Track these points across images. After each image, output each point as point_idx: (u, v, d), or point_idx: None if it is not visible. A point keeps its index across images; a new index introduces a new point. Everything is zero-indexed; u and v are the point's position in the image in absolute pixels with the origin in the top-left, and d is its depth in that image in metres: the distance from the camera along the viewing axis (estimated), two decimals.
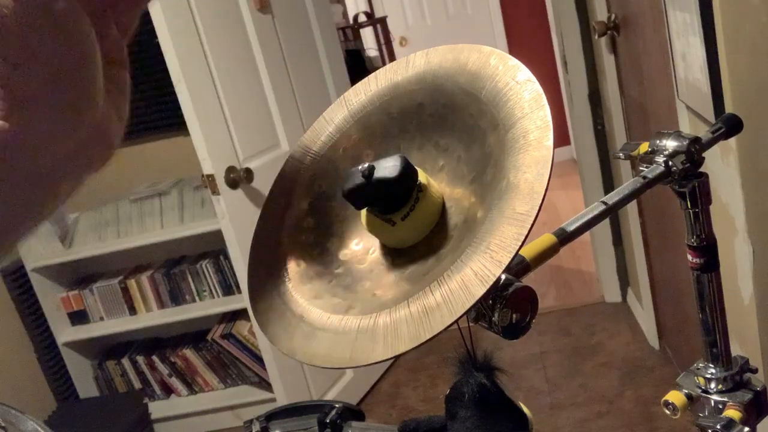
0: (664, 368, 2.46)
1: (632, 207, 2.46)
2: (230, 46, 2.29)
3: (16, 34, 0.31)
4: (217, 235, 2.34)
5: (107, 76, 0.36)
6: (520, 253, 0.40)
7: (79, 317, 2.85)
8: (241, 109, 2.28)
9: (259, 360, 2.67)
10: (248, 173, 2.25)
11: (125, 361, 2.91)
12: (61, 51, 0.32)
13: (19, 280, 2.71)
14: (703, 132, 0.69)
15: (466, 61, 0.48)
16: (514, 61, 0.46)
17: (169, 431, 2.87)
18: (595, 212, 0.58)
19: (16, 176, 0.32)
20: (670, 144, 0.64)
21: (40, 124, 0.32)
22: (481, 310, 0.46)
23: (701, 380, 0.70)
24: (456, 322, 0.39)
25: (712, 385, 0.70)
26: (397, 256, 0.48)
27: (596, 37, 2.34)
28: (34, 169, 0.33)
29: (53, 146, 0.33)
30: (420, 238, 0.47)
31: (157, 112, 2.78)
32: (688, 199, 0.66)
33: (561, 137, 4.76)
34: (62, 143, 0.34)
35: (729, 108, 1.18)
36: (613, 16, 2.23)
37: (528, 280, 0.48)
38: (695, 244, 0.67)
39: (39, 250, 2.75)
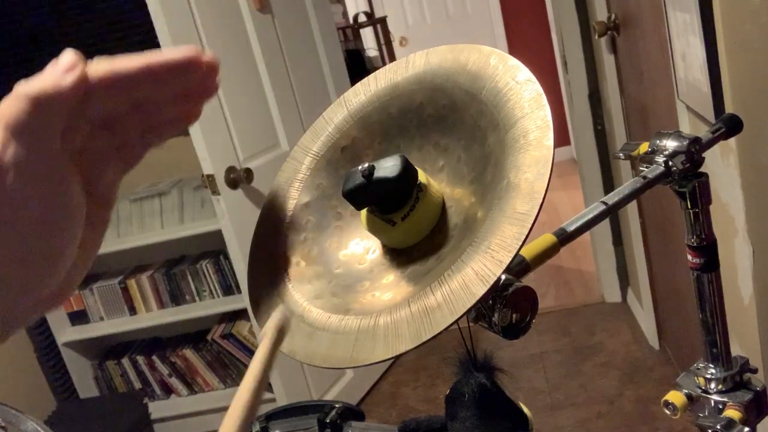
0: (664, 368, 2.46)
1: (632, 207, 2.46)
2: (230, 46, 2.29)
3: (9, 197, 0.32)
4: (217, 235, 2.34)
5: (88, 217, 0.37)
6: (520, 253, 0.40)
7: (79, 317, 2.85)
8: (241, 109, 2.28)
9: None
10: (248, 173, 2.25)
11: (125, 361, 2.91)
12: (46, 215, 0.34)
13: None
14: (703, 132, 0.69)
15: (466, 61, 0.48)
16: (514, 61, 0.46)
17: (169, 431, 2.87)
18: (595, 212, 0.58)
19: None
20: (670, 144, 0.64)
21: (11, 280, 0.34)
22: (481, 310, 0.46)
23: (701, 380, 0.70)
24: (456, 322, 0.39)
25: (712, 385, 0.70)
26: (397, 256, 0.48)
27: (596, 37, 2.34)
28: None
29: (16, 298, 0.35)
30: (420, 238, 0.47)
31: None
32: (688, 199, 0.66)
33: (561, 137, 4.77)
34: (25, 297, 0.35)
35: (729, 108, 1.18)
36: (613, 16, 2.23)
37: (528, 280, 0.48)
38: (695, 244, 0.67)
39: None
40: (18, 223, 0.33)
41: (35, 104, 0.33)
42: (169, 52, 0.37)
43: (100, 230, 0.39)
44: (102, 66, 0.36)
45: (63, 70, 0.34)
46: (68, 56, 0.35)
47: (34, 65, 2.61)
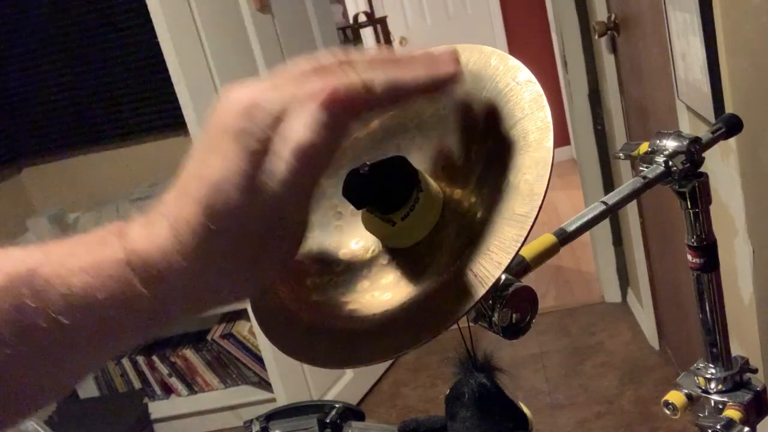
0: (664, 368, 2.46)
1: (632, 207, 2.46)
2: (230, 46, 2.29)
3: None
4: None
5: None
6: (520, 253, 0.40)
7: None
8: None
9: (259, 360, 2.67)
10: None
11: (125, 361, 2.91)
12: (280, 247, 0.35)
13: None
14: (703, 132, 0.69)
15: (467, 61, 0.48)
16: (515, 62, 0.46)
17: (169, 431, 2.87)
18: (595, 212, 0.58)
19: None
20: (670, 144, 0.64)
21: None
22: (481, 311, 0.46)
23: (701, 380, 0.70)
24: (455, 322, 0.39)
25: (712, 385, 0.70)
26: (396, 256, 0.48)
27: (596, 37, 2.34)
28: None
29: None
30: (420, 238, 0.46)
31: (157, 112, 2.78)
32: (688, 199, 0.66)
33: (561, 137, 4.76)
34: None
35: (729, 108, 1.18)
36: (613, 16, 2.23)
37: (528, 280, 0.48)
38: (695, 244, 0.67)
39: None
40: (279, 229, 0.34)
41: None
42: (443, 63, 0.37)
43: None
44: (384, 80, 0.34)
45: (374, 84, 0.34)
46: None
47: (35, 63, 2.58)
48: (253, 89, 0.33)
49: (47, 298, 0.31)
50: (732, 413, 0.67)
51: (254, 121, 0.32)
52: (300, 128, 0.31)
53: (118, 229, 0.34)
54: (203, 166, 0.33)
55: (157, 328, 0.35)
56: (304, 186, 0.33)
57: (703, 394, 0.70)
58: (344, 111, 0.33)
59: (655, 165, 0.64)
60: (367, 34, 4.70)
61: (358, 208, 0.48)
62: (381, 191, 0.45)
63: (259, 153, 0.32)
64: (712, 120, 1.19)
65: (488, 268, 0.39)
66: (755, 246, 1.21)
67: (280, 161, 0.31)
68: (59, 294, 0.32)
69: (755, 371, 0.71)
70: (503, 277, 0.46)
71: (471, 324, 0.49)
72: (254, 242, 0.33)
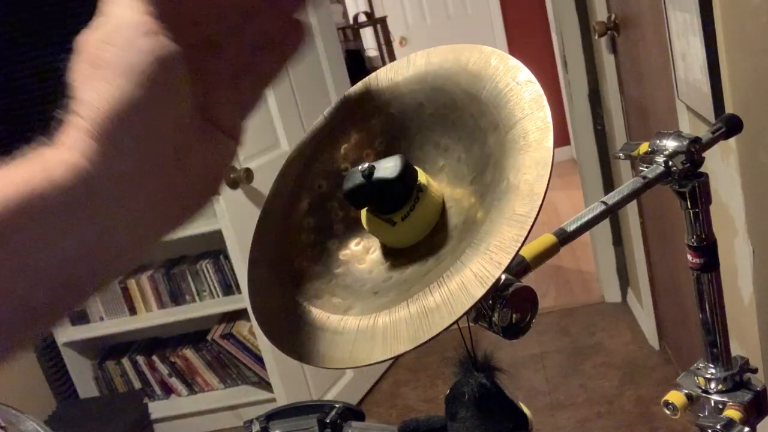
0: (664, 368, 2.46)
1: (632, 207, 2.46)
2: None
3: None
4: (217, 235, 2.34)
5: (212, 142, 0.38)
6: (520, 253, 0.40)
7: (79, 317, 2.85)
8: None
9: (259, 360, 2.67)
10: (248, 173, 2.25)
11: (125, 361, 2.91)
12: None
13: None
14: (703, 132, 0.69)
15: (467, 62, 0.48)
16: (515, 62, 0.46)
17: (169, 431, 2.87)
18: (595, 212, 0.58)
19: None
20: (670, 144, 0.64)
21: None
22: (481, 311, 0.46)
23: (701, 380, 0.70)
24: (455, 322, 0.39)
25: (712, 385, 0.70)
26: (397, 256, 0.48)
27: (596, 37, 2.34)
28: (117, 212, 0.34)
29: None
30: (420, 238, 0.47)
31: None
32: (688, 199, 0.66)
33: (561, 137, 4.76)
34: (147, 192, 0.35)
35: (729, 108, 1.18)
36: (613, 16, 2.23)
37: (528, 280, 0.48)
38: (695, 244, 0.67)
39: None
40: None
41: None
42: None
43: (226, 158, 0.40)
44: None
45: None
46: None
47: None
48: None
49: None
50: (732, 413, 0.67)
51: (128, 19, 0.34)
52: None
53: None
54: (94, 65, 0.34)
55: (104, 241, 0.33)
56: (175, 68, 0.34)
57: (703, 394, 0.70)
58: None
59: (655, 165, 0.64)
60: (367, 34, 4.71)
61: (358, 208, 0.48)
62: (381, 191, 0.45)
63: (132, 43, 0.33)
64: (712, 120, 1.19)
65: (488, 268, 0.39)
66: (755, 246, 1.21)
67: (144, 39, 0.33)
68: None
69: (755, 371, 0.71)
70: (503, 277, 0.46)
71: (471, 324, 0.49)
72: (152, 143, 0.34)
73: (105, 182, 0.32)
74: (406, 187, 0.45)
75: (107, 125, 0.32)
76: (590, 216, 0.58)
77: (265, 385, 2.71)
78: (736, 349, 0.72)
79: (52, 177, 0.31)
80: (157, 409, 2.86)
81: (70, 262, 0.32)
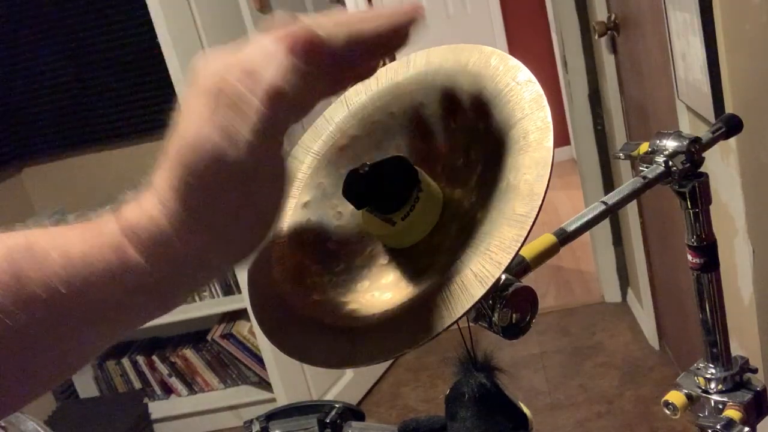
0: (664, 368, 2.46)
1: (632, 207, 2.46)
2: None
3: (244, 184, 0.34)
4: None
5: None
6: (520, 253, 0.40)
7: None
8: None
9: (259, 360, 2.67)
10: None
11: (125, 361, 2.91)
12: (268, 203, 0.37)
13: None
14: (703, 132, 0.69)
15: (467, 62, 0.48)
16: (515, 62, 0.46)
17: (169, 431, 2.87)
18: (595, 212, 0.58)
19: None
20: (670, 144, 0.64)
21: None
22: (481, 311, 0.46)
23: (701, 380, 0.70)
24: (455, 322, 0.39)
25: (712, 385, 0.70)
26: (397, 256, 0.48)
27: (596, 37, 2.34)
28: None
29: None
30: (420, 238, 0.47)
31: (157, 112, 2.78)
32: (688, 199, 0.66)
33: (561, 137, 4.76)
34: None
35: (729, 108, 1.18)
36: (613, 16, 2.23)
37: (528, 280, 0.48)
38: (695, 244, 0.67)
39: None
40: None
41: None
42: (404, 12, 0.38)
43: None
44: (346, 29, 0.37)
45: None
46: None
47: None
48: (225, 53, 0.35)
49: (46, 267, 0.32)
50: (732, 413, 0.67)
51: (226, 78, 0.34)
52: (267, 74, 0.33)
53: (113, 210, 0.36)
54: (181, 128, 0.34)
55: (156, 305, 0.36)
56: (275, 131, 0.35)
57: (703, 394, 0.70)
58: (309, 54, 0.34)
59: (655, 165, 0.64)
60: None
61: (358, 208, 0.48)
62: (381, 191, 0.45)
63: (231, 106, 0.33)
64: (712, 120, 1.19)
65: (488, 268, 0.39)
66: (755, 246, 1.21)
67: (251, 108, 0.33)
68: (57, 264, 0.32)
69: (755, 371, 0.71)
70: (503, 277, 0.46)
71: (471, 324, 0.49)
72: (234, 195, 0.34)
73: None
74: (406, 187, 0.45)
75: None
76: (590, 216, 0.58)
77: (265, 385, 2.71)
78: (736, 349, 0.72)
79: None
80: (157, 409, 2.86)
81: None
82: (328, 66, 0.36)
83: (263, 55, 0.34)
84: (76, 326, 0.33)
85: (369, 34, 0.37)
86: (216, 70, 0.34)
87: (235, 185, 0.34)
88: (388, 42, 0.38)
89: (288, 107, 0.34)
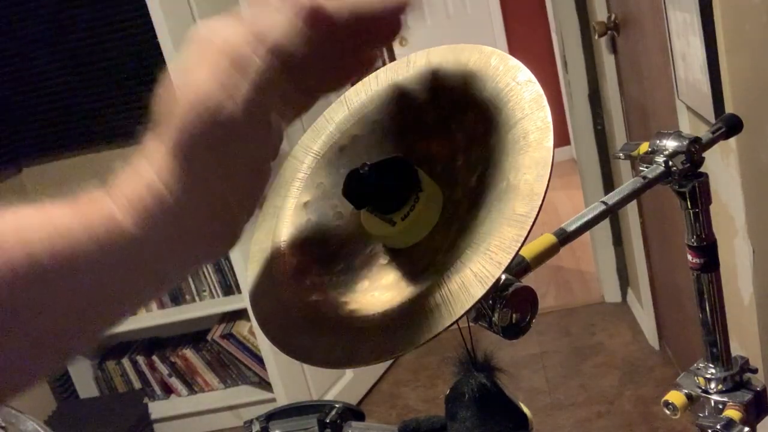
0: (664, 368, 2.46)
1: (632, 207, 2.46)
2: None
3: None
4: None
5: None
6: (520, 253, 0.40)
7: None
8: None
9: (259, 360, 2.67)
10: None
11: (125, 361, 2.91)
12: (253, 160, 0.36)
13: None
14: (703, 132, 0.69)
15: (467, 62, 0.48)
16: (515, 62, 0.46)
17: (169, 431, 2.87)
18: (595, 212, 0.58)
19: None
20: (670, 144, 0.64)
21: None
22: (481, 311, 0.46)
23: (701, 380, 0.70)
24: (455, 322, 0.39)
25: (712, 385, 0.70)
26: (396, 256, 0.48)
27: (596, 37, 2.34)
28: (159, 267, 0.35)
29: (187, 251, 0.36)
30: (420, 238, 0.47)
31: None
32: (688, 199, 0.66)
33: (561, 137, 4.76)
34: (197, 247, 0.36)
35: (729, 108, 1.18)
36: (613, 16, 2.23)
37: (528, 280, 0.48)
38: (695, 244, 0.67)
39: None
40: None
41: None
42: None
43: (261, 185, 0.40)
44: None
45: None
46: None
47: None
48: (227, 18, 0.36)
49: (28, 237, 0.31)
50: (732, 413, 0.67)
51: (231, 39, 0.35)
52: (273, 34, 0.35)
53: (103, 184, 0.36)
54: (180, 89, 0.34)
55: (148, 282, 0.35)
56: (275, 91, 0.35)
57: (703, 394, 0.70)
58: (314, 21, 0.36)
59: (655, 165, 0.64)
60: None
61: (358, 208, 0.48)
62: (381, 191, 0.45)
63: (235, 64, 0.34)
64: (712, 120, 1.19)
65: (488, 268, 0.39)
66: (755, 246, 1.21)
67: (254, 65, 0.34)
68: (40, 235, 0.32)
69: (755, 371, 0.71)
70: (503, 277, 0.46)
71: (471, 324, 0.49)
72: (229, 152, 0.35)
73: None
74: (406, 187, 0.45)
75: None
76: (590, 216, 0.58)
77: (265, 385, 2.71)
78: (736, 349, 0.72)
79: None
80: (157, 409, 2.86)
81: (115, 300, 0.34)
82: (331, 40, 0.37)
83: (269, 17, 0.35)
84: (61, 302, 0.31)
85: (367, 12, 0.39)
86: (221, 32, 0.35)
87: (231, 141, 0.34)
88: (386, 25, 0.40)
89: (290, 69, 0.35)
